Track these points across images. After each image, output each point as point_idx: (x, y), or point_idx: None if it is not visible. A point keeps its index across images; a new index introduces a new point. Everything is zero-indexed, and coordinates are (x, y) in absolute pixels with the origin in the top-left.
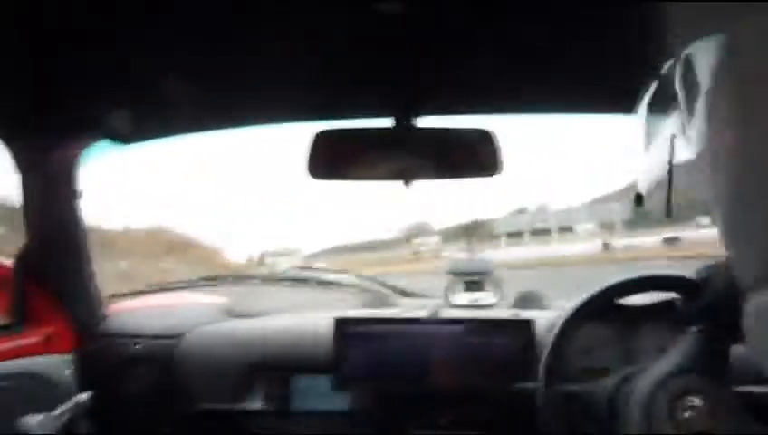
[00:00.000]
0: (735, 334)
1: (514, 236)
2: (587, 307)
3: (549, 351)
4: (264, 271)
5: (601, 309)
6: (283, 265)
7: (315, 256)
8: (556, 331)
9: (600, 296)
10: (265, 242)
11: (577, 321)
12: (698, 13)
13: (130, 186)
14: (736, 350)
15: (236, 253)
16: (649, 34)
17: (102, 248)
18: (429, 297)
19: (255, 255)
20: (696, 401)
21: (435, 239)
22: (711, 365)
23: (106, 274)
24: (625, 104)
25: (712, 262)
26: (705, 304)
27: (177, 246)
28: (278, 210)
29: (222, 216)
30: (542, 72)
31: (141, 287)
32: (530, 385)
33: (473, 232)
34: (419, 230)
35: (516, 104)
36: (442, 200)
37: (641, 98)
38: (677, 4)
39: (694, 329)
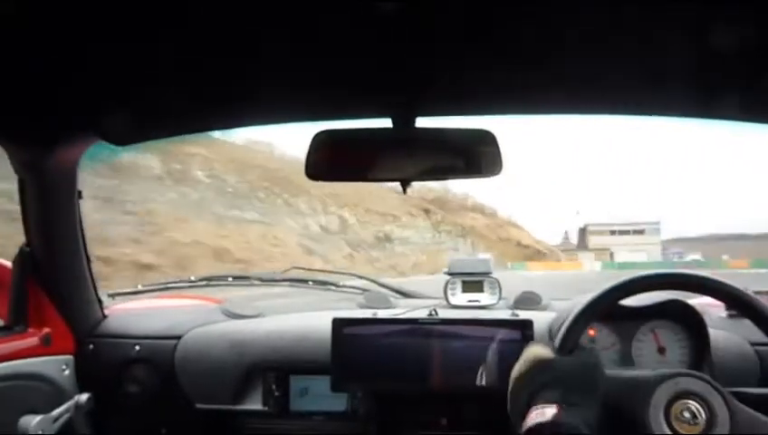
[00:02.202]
0: None
1: None
2: (594, 307)
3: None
4: (588, 260)
5: (608, 309)
6: (622, 255)
7: (672, 241)
8: (563, 330)
9: (607, 296)
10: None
11: (583, 321)
12: None
13: None
14: (735, 350)
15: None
16: (650, 36)
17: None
18: (428, 298)
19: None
20: (695, 403)
21: None
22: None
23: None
24: (629, 106)
25: None
26: None
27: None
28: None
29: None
30: (544, 73)
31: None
32: None
33: None
34: None
35: (519, 104)
36: None
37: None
38: None
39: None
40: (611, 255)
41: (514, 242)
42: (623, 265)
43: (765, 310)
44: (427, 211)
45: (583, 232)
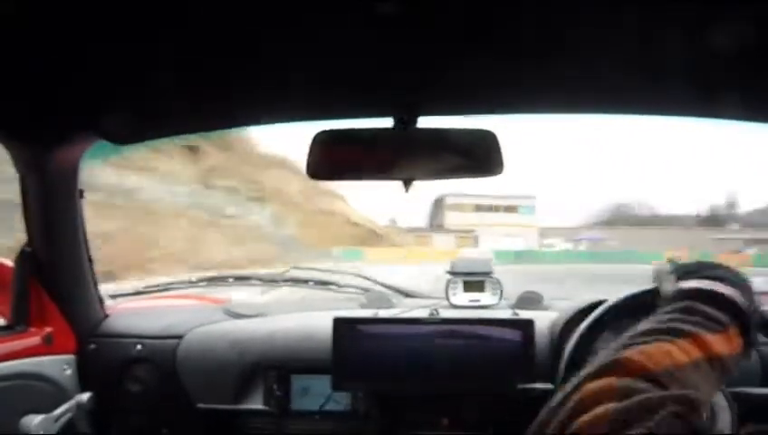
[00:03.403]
0: None
1: None
2: (610, 313)
3: (569, 352)
4: (447, 245)
5: (624, 313)
6: (490, 239)
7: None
8: (577, 334)
9: (626, 301)
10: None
11: (600, 325)
12: None
13: None
14: None
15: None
16: (650, 36)
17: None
18: (429, 297)
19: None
20: None
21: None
22: None
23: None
24: (629, 106)
25: None
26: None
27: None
28: None
29: None
30: (545, 73)
31: None
32: (539, 385)
33: None
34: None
35: (520, 104)
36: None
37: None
38: None
39: None
40: (476, 239)
41: (341, 218)
42: (519, 255)
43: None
44: (193, 150)
45: (439, 206)
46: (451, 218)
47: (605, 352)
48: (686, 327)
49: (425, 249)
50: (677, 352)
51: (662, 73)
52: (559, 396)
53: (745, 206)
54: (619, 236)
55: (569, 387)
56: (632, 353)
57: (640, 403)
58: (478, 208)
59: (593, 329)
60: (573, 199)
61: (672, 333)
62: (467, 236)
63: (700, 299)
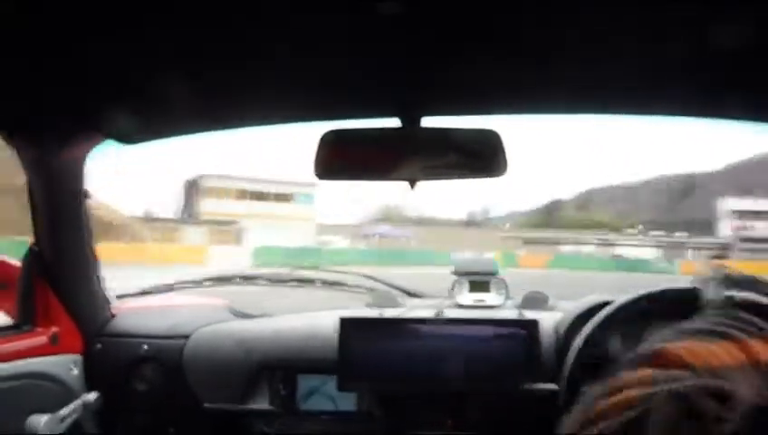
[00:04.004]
0: None
1: None
2: (619, 313)
3: (578, 351)
4: (197, 240)
5: (633, 314)
6: (257, 234)
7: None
8: (587, 333)
9: (636, 302)
10: None
11: (608, 326)
12: None
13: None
14: None
15: None
16: (651, 36)
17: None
18: (435, 297)
19: None
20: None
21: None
22: None
23: None
24: (632, 106)
25: None
26: None
27: None
28: None
29: None
30: (549, 73)
31: None
32: (544, 386)
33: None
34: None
35: (522, 104)
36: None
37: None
38: None
39: None
40: (239, 233)
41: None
42: (293, 253)
43: None
44: None
45: (194, 190)
46: (208, 206)
47: (643, 345)
48: (733, 332)
49: (172, 246)
50: (721, 352)
51: (662, 73)
52: (597, 388)
53: (500, 209)
54: (413, 234)
55: (605, 381)
56: (673, 346)
57: (669, 391)
58: (243, 195)
59: (603, 328)
60: (347, 197)
61: (718, 336)
62: (228, 229)
63: (749, 310)
